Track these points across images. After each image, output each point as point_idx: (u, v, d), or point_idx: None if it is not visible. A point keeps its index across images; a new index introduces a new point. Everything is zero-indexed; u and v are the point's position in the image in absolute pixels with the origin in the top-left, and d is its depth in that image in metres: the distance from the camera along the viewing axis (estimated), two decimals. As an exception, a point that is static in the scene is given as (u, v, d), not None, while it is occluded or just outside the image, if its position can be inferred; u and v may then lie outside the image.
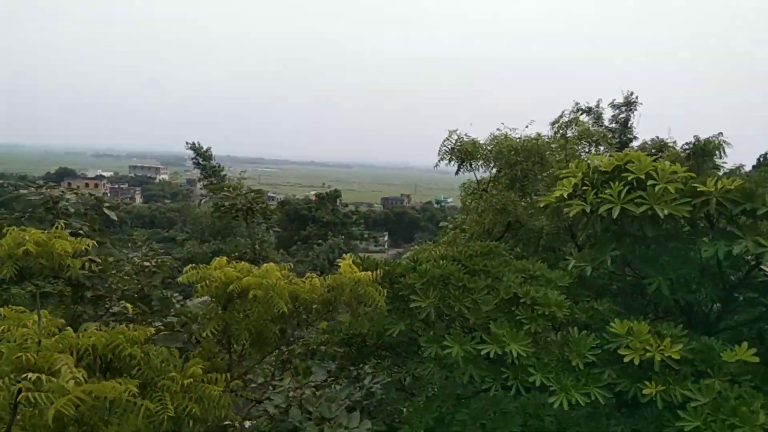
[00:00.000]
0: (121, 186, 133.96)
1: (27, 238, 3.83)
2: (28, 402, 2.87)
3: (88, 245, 4.10)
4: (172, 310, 7.19)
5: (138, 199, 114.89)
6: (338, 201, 60.50)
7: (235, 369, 4.79)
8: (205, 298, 5.09)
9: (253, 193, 8.60)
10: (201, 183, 27.03)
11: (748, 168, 16.81)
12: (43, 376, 2.86)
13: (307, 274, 4.94)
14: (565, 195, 5.53)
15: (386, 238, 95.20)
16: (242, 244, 17.89)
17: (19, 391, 2.88)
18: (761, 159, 25.89)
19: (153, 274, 9.96)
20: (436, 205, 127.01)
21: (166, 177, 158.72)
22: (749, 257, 5.02)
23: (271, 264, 4.86)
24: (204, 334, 4.47)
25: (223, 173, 24.73)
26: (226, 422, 5.07)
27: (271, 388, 6.74)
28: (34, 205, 7.17)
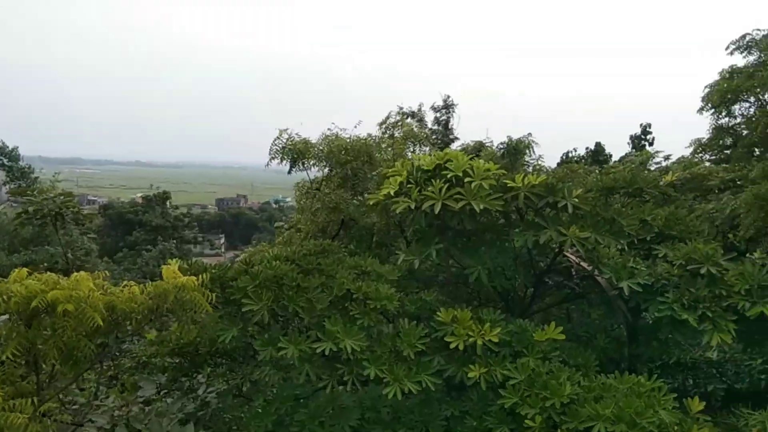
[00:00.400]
0: None
1: None
2: None
3: None
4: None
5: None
6: (168, 203, 57.21)
7: (45, 392, 4.30)
8: (5, 316, 4.51)
9: (62, 197, 7.78)
10: (7, 187, 23.92)
11: (552, 164, 18.81)
12: None
13: (125, 282, 4.60)
14: (392, 193, 5.75)
15: (222, 240, 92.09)
16: (56, 253, 16.18)
17: None
18: (564, 156, 29.10)
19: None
20: (274, 205, 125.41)
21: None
22: (554, 245, 5.60)
23: (83, 273, 4.45)
24: (4, 357, 3.96)
25: (33, 175, 22.03)
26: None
27: (95, 408, 6.18)
28: None
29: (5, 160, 22.04)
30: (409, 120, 15.61)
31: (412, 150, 11.37)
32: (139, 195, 74.18)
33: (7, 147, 22.16)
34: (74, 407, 6.02)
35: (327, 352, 4.89)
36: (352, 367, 4.96)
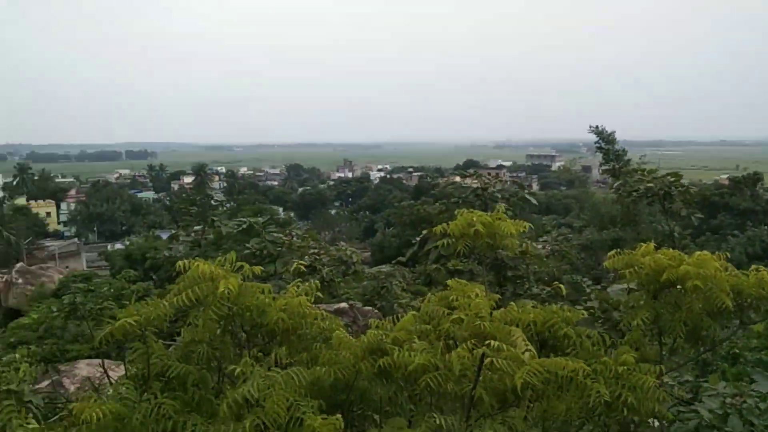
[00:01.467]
0: (519, 174, 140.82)
1: (475, 219, 4.33)
2: (490, 366, 3.23)
3: (525, 227, 4.41)
4: (585, 296, 7.24)
5: (534, 187, 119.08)
6: (758, 185, 51.68)
7: (665, 363, 4.51)
8: (624, 285, 4.92)
9: (670, 177, 7.97)
10: (600, 168, 26.18)
11: None
12: (504, 345, 3.17)
13: (753, 266, 4.33)
14: None
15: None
16: (646, 231, 16.75)
17: (483, 356, 3.25)
18: None
19: (562, 258, 10.27)
20: None
21: (562, 164, 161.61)
22: None
23: (706, 252, 4.43)
24: (634, 323, 4.33)
25: (626, 158, 23.34)
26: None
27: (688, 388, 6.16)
28: (466, 192, 8.22)
29: (603, 144, 24.03)
30: None
31: None
32: (725, 176, 69.87)
33: (606, 131, 24.07)
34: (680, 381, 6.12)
35: None
36: None
